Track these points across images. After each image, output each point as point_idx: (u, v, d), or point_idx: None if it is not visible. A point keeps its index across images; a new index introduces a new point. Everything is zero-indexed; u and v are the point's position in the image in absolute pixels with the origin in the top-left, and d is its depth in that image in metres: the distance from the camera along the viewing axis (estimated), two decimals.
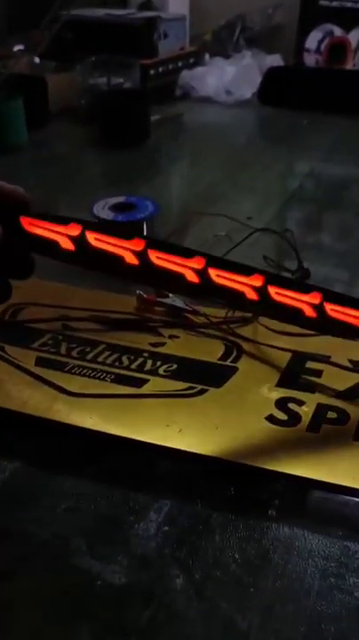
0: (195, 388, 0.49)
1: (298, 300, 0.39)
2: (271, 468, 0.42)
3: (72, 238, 0.36)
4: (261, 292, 0.38)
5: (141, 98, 1.16)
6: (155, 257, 0.37)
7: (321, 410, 0.47)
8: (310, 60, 1.63)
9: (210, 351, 0.54)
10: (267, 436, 0.44)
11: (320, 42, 1.61)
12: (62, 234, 0.36)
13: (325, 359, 0.53)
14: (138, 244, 0.36)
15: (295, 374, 0.51)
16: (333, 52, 1.60)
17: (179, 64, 1.45)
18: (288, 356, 0.53)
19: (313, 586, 0.36)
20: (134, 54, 1.29)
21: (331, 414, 0.47)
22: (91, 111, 1.19)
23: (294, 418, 0.46)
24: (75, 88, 1.25)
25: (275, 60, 1.55)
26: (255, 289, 0.38)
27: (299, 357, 0.53)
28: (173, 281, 0.37)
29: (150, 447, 0.44)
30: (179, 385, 0.50)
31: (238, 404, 0.48)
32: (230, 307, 0.49)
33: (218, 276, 0.37)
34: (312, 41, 1.62)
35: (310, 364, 0.52)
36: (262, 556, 0.38)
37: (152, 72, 1.34)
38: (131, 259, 0.36)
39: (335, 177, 1.06)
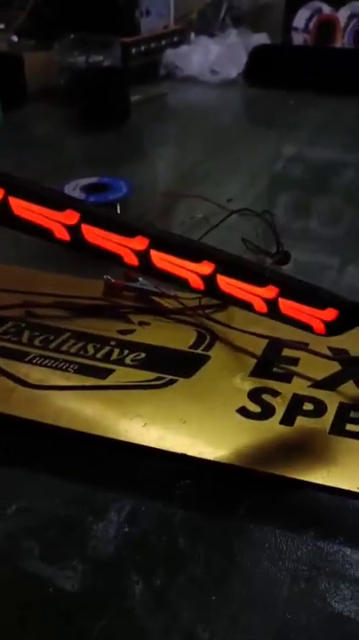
0: (163, 378, 0.47)
1: (249, 293, 0.35)
2: (241, 465, 0.39)
3: None
4: (209, 280, 0.34)
5: (120, 76, 1.12)
6: (91, 234, 0.32)
7: (296, 401, 0.44)
8: (298, 38, 1.59)
9: (181, 338, 0.51)
10: (238, 430, 0.42)
11: (308, 20, 1.56)
12: None
13: (303, 346, 0.50)
14: (70, 218, 0.32)
15: (270, 363, 0.48)
16: (322, 31, 1.56)
17: (163, 42, 1.41)
18: (264, 342, 0.50)
19: (282, 591, 0.33)
20: (115, 32, 1.25)
21: (308, 406, 0.44)
22: (70, 91, 1.15)
23: (268, 410, 0.44)
24: (53, 67, 1.21)
25: (261, 38, 1.51)
26: (202, 277, 0.33)
27: (275, 344, 0.50)
28: (111, 260, 0.33)
29: (112, 443, 0.41)
30: (147, 375, 0.47)
31: (208, 396, 0.45)
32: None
33: (161, 259, 0.33)
34: (300, 19, 1.57)
35: (287, 352, 0.49)
36: (229, 560, 0.35)
37: (134, 50, 1.30)
38: (62, 233, 0.32)
39: (320, 159, 1.03)
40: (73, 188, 0.68)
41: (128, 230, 0.33)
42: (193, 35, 1.52)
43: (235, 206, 0.73)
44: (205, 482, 0.39)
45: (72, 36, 1.21)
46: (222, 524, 0.37)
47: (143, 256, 0.32)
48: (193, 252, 0.33)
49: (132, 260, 0.33)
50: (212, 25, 1.59)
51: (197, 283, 0.34)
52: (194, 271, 0.33)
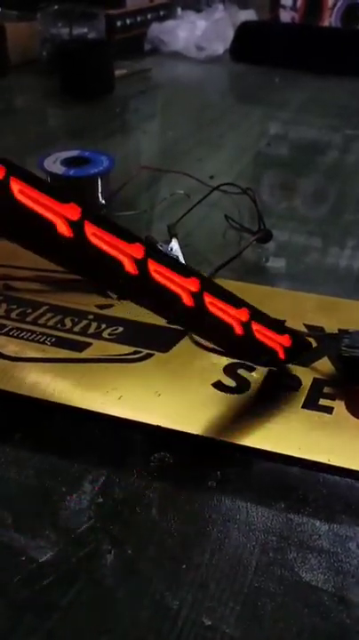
0: (140, 352, 0.47)
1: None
2: (212, 437, 0.39)
3: None
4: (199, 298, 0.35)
5: (104, 49, 1.10)
6: (94, 235, 0.31)
7: (271, 376, 0.45)
8: (286, 16, 1.57)
9: None
10: (212, 403, 0.42)
11: None
12: None
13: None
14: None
15: None
16: (310, 9, 1.55)
17: (149, 16, 1.39)
18: None
19: (251, 561, 0.34)
20: (99, 4, 1.23)
21: (283, 381, 0.44)
22: (53, 62, 1.13)
23: (243, 384, 0.44)
24: (36, 38, 1.19)
25: (248, 15, 1.50)
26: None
27: None
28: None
29: (87, 414, 0.41)
30: (124, 349, 0.47)
31: (184, 370, 0.45)
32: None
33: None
34: None
35: None
36: (200, 530, 0.35)
37: (119, 23, 1.28)
38: (64, 229, 0.30)
39: (305, 138, 1.02)
40: (53, 161, 0.67)
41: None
42: (179, 9, 1.50)
43: (218, 183, 0.73)
44: (179, 454, 0.40)
45: (56, 6, 1.19)
46: (195, 495, 0.37)
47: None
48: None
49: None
50: (199, 0, 1.57)
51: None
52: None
